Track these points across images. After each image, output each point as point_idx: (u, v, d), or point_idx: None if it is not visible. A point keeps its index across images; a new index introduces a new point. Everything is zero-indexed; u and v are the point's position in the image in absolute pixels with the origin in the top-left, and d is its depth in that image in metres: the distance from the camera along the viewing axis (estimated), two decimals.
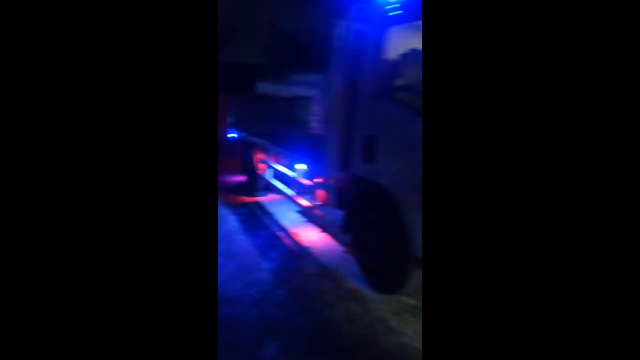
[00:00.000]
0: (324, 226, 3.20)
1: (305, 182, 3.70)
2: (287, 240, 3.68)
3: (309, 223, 4.20)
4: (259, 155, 5.14)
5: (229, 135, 5.66)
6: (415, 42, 2.28)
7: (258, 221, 4.24)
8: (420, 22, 1.75)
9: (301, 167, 3.92)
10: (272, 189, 5.03)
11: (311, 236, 3.80)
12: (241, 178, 5.79)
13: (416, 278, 2.35)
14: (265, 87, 5.13)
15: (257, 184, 5.23)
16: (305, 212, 4.21)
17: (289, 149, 4.04)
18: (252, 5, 5.24)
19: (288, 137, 4.12)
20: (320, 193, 3.53)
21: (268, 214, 4.50)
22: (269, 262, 3.13)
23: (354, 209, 2.92)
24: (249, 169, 5.44)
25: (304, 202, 3.77)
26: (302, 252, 3.40)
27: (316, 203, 3.55)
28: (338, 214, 3.08)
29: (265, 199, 5.17)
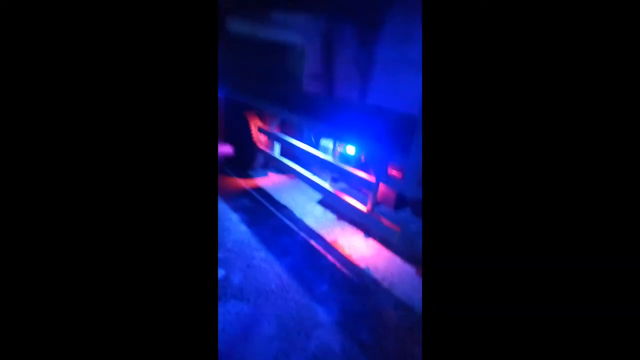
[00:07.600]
0: (396, 243, 2.14)
1: (360, 174, 2.46)
2: (331, 257, 2.55)
3: (342, 222, 3.09)
4: (256, 122, 3.75)
5: None
6: None
7: (273, 220, 3.01)
8: None
9: (349, 148, 2.68)
10: (279, 168, 3.75)
11: (359, 247, 2.72)
12: (227, 150, 4.37)
13: None
14: (236, 26, 3.52)
15: (253, 161, 3.89)
16: (333, 205, 3.03)
17: (309, 117, 2.63)
18: None
19: (299, 99, 2.69)
20: (385, 192, 2.40)
21: (282, 207, 3.27)
22: (327, 309, 2.02)
23: None
24: (241, 140, 4.04)
25: (356, 203, 2.52)
26: (365, 282, 2.33)
27: (377, 206, 2.42)
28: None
29: (265, 181, 3.89)
